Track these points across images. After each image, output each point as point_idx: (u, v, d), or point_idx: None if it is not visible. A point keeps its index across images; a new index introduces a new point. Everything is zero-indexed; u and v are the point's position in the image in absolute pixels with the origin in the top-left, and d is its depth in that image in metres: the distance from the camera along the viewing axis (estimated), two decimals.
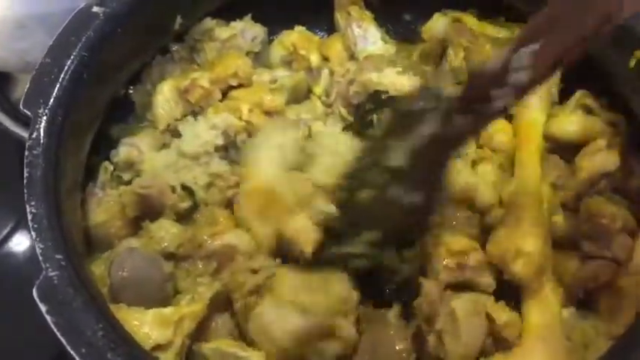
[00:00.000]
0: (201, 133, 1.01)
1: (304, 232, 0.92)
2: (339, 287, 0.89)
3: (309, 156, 0.98)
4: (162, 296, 0.90)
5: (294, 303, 0.86)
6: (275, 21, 1.18)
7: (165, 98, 1.05)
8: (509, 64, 0.71)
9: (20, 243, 1.20)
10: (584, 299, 0.92)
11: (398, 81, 1.04)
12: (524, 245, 0.89)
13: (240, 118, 1.02)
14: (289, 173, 0.96)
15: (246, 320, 0.88)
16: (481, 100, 0.75)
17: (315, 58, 1.13)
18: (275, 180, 0.95)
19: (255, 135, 1.02)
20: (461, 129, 0.78)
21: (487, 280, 0.91)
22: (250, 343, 0.88)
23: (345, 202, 0.86)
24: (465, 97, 0.78)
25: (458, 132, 0.79)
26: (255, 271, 0.90)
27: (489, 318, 0.87)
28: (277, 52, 1.14)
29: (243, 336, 0.90)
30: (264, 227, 0.94)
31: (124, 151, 1.02)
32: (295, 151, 0.98)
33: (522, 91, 0.73)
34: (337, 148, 0.99)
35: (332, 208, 0.90)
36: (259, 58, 1.16)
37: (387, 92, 1.04)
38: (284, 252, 0.94)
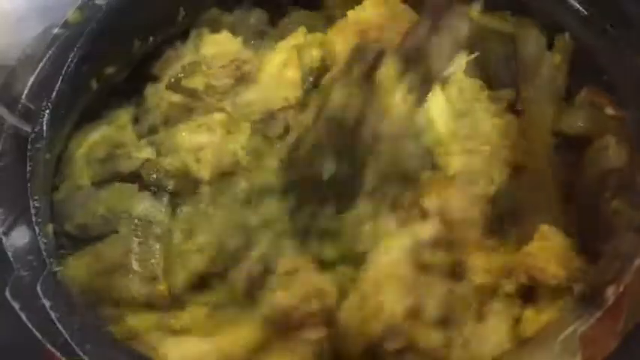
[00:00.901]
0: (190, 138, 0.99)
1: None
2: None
3: None
4: None
5: None
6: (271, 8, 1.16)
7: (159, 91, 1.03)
8: None
9: (20, 240, 1.19)
10: (590, 296, 0.92)
11: None
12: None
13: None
14: None
15: None
16: None
17: (317, 54, 1.12)
18: None
19: None
20: None
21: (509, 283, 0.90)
22: None
23: None
24: None
25: None
26: None
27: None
28: (280, 54, 1.11)
29: None
30: None
31: None
32: None
33: None
34: None
35: None
36: (260, 45, 1.13)
37: None
38: None
